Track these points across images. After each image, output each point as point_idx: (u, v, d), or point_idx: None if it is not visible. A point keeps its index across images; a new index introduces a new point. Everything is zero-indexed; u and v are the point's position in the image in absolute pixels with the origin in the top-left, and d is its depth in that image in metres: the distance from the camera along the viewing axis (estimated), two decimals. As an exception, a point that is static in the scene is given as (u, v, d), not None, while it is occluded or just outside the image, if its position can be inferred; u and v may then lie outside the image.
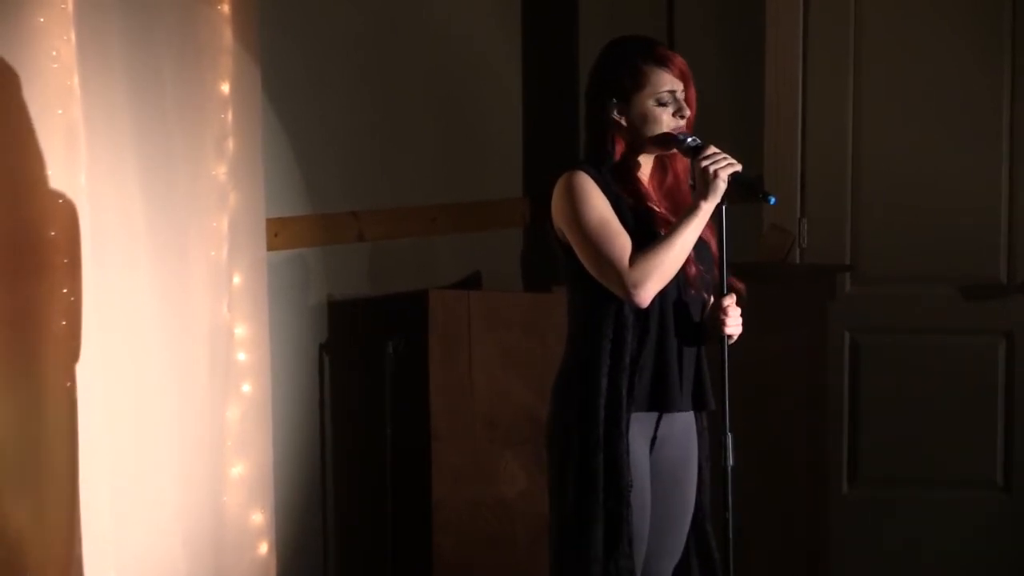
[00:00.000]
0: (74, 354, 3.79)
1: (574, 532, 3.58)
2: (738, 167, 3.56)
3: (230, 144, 4.32)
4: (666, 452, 3.68)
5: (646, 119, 3.59)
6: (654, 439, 3.65)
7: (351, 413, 4.88)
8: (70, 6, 3.76)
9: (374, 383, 4.87)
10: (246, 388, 4.39)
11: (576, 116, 5.21)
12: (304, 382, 4.75)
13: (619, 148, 3.62)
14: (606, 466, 3.55)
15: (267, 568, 4.45)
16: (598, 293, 3.58)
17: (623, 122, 3.61)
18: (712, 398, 3.68)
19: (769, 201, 3.62)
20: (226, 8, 4.28)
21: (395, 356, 4.86)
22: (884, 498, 5.58)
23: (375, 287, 4.95)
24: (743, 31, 6.06)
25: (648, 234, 3.56)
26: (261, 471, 4.42)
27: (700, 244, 3.61)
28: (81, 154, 3.79)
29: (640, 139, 3.62)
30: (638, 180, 3.65)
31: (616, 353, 3.56)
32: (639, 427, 3.61)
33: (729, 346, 3.63)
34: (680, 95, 3.61)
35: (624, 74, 3.59)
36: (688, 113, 3.61)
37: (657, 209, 3.63)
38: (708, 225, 3.60)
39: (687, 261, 3.58)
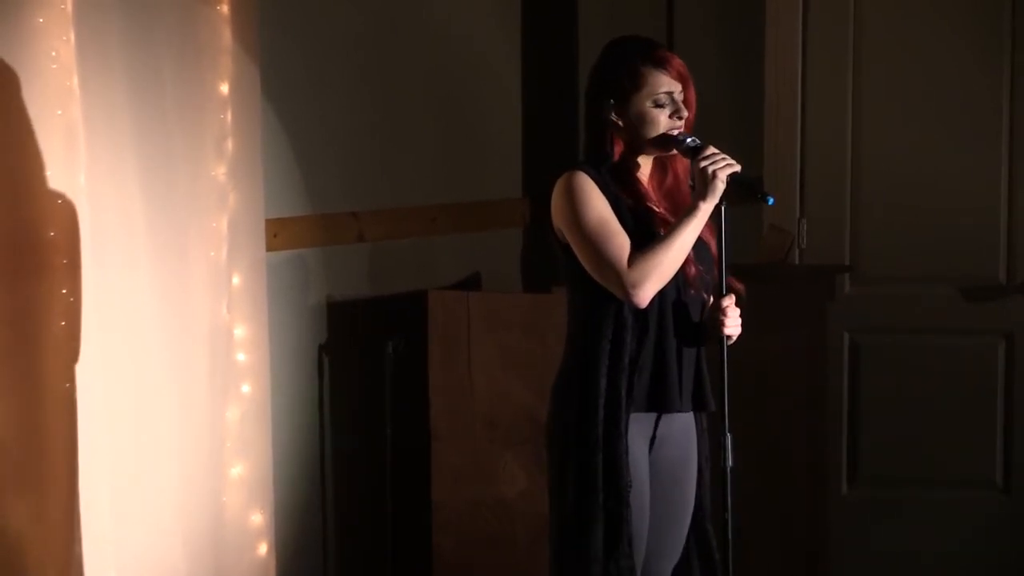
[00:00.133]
0: (74, 354, 3.78)
1: (574, 532, 3.58)
2: (737, 167, 3.56)
3: (230, 144, 4.32)
4: (665, 452, 3.68)
5: (643, 120, 3.59)
6: (653, 439, 3.65)
7: (351, 413, 4.88)
8: (69, 6, 3.75)
9: (374, 383, 4.87)
10: (246, 388, 4.39)
11: (576, 116, 5.22)
12: (304, 383, 4.75)
13: (618, 149, 3.62)
14: (605, 466, 3.55)
15: (267, 568, 4.45)
16: (598, 293, 3.58)
17: (621, 123, 3.61)
18: (712, 399, 3.68)
19: (768, 201, 3.62)
20: (226, 8, 4.28)
21: (395, 356, 4.86)
22: (884, 498, 5.57)
23: (375, 287, 4.95)
24: (743, 31, 6.06)
25: (647, 234, 3.56)
26: (261, 471, 4.42)
27: (699, 244, 3.61)
28: (81, 154, 3.79)
29: (638, 140, 3.62)
30: (637, 180, 3.65)
31: (615, 353, 3.56)
32: (638, 427, 3.61)
33: (728, 346, 3.63)
34: (678, 96, 3.60)
35: (622, 75, 3.59)
36: (686, 114, 3.61)
37: (656, 209, 3.63)
38: (708, 225, 3.60)
39: (686, 261, 3.58)
